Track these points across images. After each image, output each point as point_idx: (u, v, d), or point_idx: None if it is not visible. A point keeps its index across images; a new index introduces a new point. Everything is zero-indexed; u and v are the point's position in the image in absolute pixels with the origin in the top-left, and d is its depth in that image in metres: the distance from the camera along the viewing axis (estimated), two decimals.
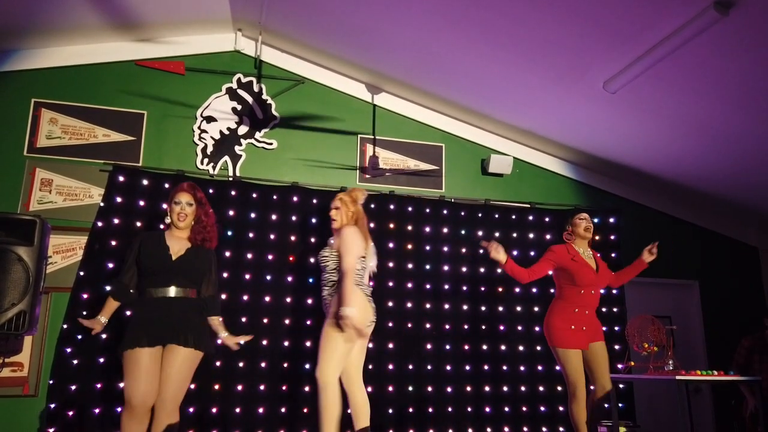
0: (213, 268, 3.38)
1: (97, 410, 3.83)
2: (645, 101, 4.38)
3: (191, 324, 3.15)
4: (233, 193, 4.43)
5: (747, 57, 3.64)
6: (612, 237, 5.20)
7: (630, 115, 4.64)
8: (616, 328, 4.95)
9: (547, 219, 5.12)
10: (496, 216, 5.02)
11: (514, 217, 5.06)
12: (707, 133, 4.66)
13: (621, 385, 4.79)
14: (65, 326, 3.97)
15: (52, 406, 3.80)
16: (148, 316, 3.12)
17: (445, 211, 4.90)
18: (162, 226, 3.43)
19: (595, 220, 5.18)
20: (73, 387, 3.84)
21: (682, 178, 5.42)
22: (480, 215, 4.98)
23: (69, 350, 3.89)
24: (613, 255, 5.16)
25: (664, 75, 3.97)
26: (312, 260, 4.46)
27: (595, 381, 3.87)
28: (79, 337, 3.91)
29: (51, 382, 3.88)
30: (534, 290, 4.92)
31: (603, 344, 3.90)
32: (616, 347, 4.91)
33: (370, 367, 4.38)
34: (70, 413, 3.79)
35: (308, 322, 4.36)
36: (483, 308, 4.77)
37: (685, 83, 4.06)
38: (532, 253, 4.99)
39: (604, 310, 4.99)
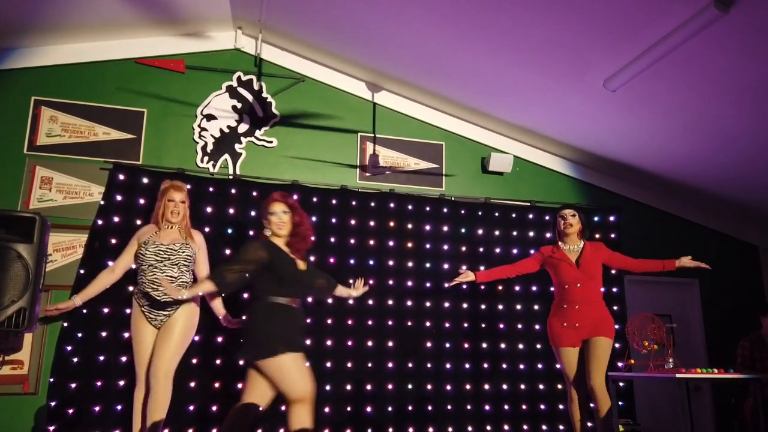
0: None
1: (97, 408, 3.83)
2: (645, 99, 4.38)
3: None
4: (233, 191, 4.43)
5: (747, 54, 3.64)
6: (612, 235, 5.20)
7: (630, 114, 4.64)
8: (617, 327, 4.93)
9: (547, 217, 5.11)
10: (496, 214, 5.02)
11: (514, 215, 5.06)
12: (707, 131, 4.66)
13: (621, 384, 4.79)
14: (65, 324, 3.97)
15: (53, 403, 3.80)
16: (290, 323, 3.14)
17: (445, 210, 4.90)
18: (259, 235, 3.32)
19: (596, 219, 5.20)
20: (74, 385, 3.84)
21: (682, 176, 5.42)
22: (480, 213, 4.98)
23: (69, 348, 3.89)
24: None
25: (664, 73, 3.97)
26: (312, 258, 4.46)
27: (588, 377, 3.71)
28: (79, 335, 3.91)
29: (51, 380, 3.88)
30: (534, 288, 4.92)
31: (603, 341, 3.72)
32: (617, 345, 4.90)
33: (370, 364, 4.38)
34: (71, 411, 3.80)
35: (308, 321, 4.35)
36: (483, 306, 4.77)
37: (686, 81, 4.05)
38: (532, 251, 4.97)
39: None
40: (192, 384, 4.01)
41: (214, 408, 4.04)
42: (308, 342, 4.32)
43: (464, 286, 4.71)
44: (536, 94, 4.70)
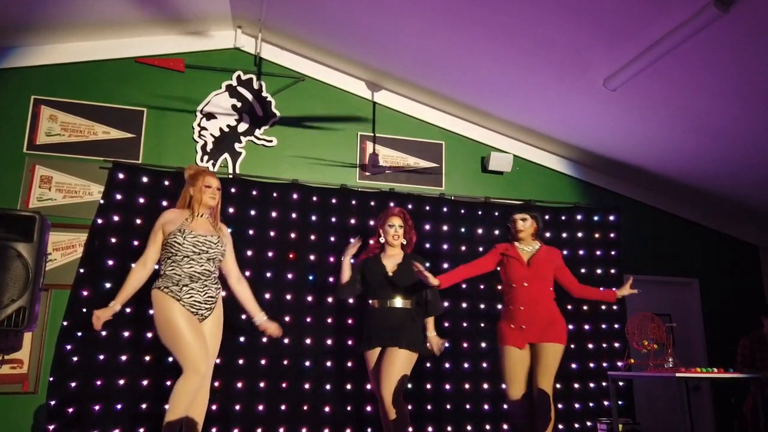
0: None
1: (97, 407, 3.83)
2: (645, 98, 4.38)
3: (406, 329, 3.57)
4: (233, 190, 4.43)
5: (748, 54, 3.64)
6: (612, 235, 5.20)
7: (630, 113, 4.64)
8: (616, 326, 4.96)
9: (546, 216, 5.10)
10: (496, 214, 5.01)
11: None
12: (707, 131, 4.66)
13: (621, 383, 4.79)
14: (65, 323, 3.97)
15: (52, 403, 3.80)
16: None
17: (445, 209, 4.90)
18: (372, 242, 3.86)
19: (595, 218, 5.20)
20: (73, 384, 3.84)
21: (682, 176, 5.42)
22: (480, 213, 4.98)
23: (69, 347, 3.90)
24: (612, 253, 5.16)
25: (664, 72, 3.97)
26: (312, 257, 4.46)
27: (534, 383, 3.54)
28: (79, 334, 3.91)
29: (51, 379, 3.88)
30: None
31: (551, 347, 3.51)
32: (616, 345, 4.91)
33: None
34: (70, 410, 3.80)
35: (308, 320, 4.36)
36: (482, 306, 4.77)
37: (686, 80, 4.05)
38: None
39: (603, 307, 5.00)
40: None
41: (214, 407, 4.04)
42: (308, 341, 4.33)
43: (464, 285, 4.69)
44: (536, 94, 4.70)
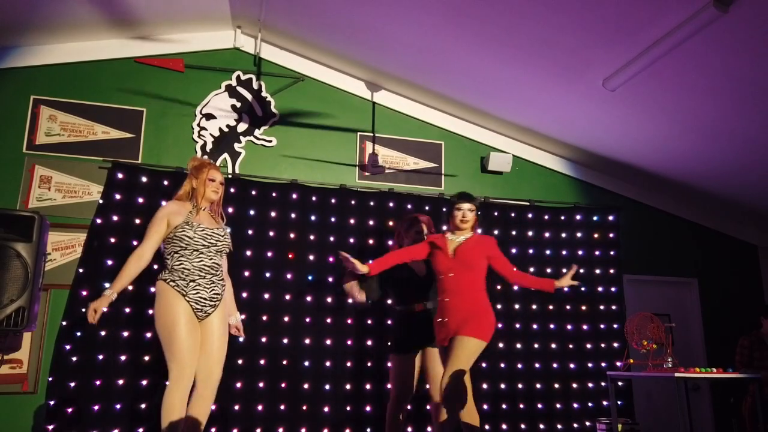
0: None
1: (96, 407, 3.83)
2: (644, 99, 4.38)
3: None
4: (232, 190, 4.42)
5: (747, 54, 3.64)
6: (611, 235, 5.20)
7: (629, 113, 4.64)
8: (615, 326, 4.96)
9: (546, 217, 5.12)
10: (495, 214, 5.02)
11: (513, 214, 5.06)
12: (707, 131, 4.67)
13: (620, 383, 4.79)
14: (64, 323, 3.97)
15: (52, 402, 3.80)
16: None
17: (444, 209, 4.89)
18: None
19: (594, 218, 5.20)
20: (72, 384, 3.83)
21: (681, 176, 5.42)
22: (479, 213, 4.96)
23: (68, 347, 3.89)
24: (611, 253, 5.16)
25: (663, 72, 3.97)
26: (311, 257, 4.46)
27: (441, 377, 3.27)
28: (78, 334, 3.91)
29: (50, 379, 3.88)
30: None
31: (465, 340, 3.22)
32: (615, 345, 4.91)
33: (369, 364, 4.38)
34: (70, 410, 3.79)
35: (307, 320, 4.36)
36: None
37: (685, 81, 4.06)
38: (530, 251, 5.00)
39: (602, 308, 5.00)
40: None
41: (213, 407, 4.04)
42: (307, 341, 4.33)
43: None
44: (535, 94, 4.70)
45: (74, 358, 3.88)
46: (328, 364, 4.33)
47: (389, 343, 3.96)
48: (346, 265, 3.34)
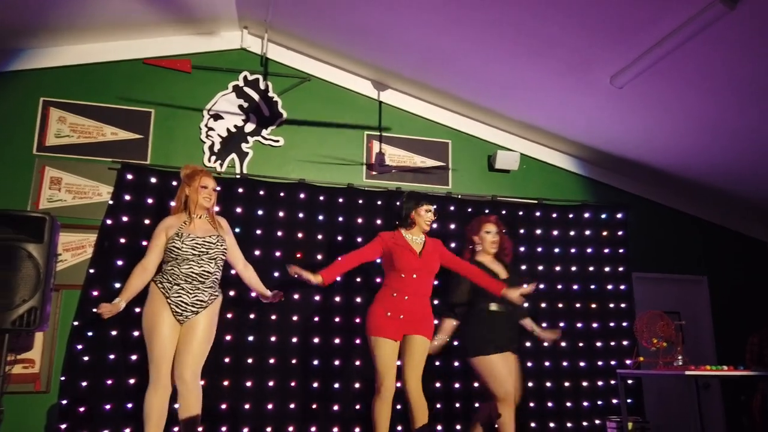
0: None
1: (108, 406, 3.86)
2: (652, 96, 4.36)
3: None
4: (240, 190, 4.45)
5: (754, 51, 3.62)
6: (620, 232, 5.19)
7: (637, 110, 4.62)
8: (624, 324, 4.94)
9: (554, 215, 5.10)
10: (503, 212, 5.01)
11: (521, 213, 5.05)
12: (715, 128, 4.64)
13: (630, 381, 4.77)
14: (76, 323, 4.00)
15: (64, 402, 3.83)
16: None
17: (452, 208, 4.90)
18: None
19: (603, 216, 5.18)
20: (84, 383, 3.87)
21: (690, 173, 5.39)
22: (487, 211, 4.97)
23: (80, 347, 3.93)
24: (620, 250, 5.14)
25: (671, 69, 3.95)
26: (319, 257, 4.47)
27: (403, 377, 3.44)
28: (90, 334, 3.94)
29: (62, 378, 3.92)
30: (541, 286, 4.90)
31: (423, 340, 3.47)
32: (625, 343, 4.90)
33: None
34: (82, 409, 3.83)
35: (316, 319, 4.37)
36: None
37: (693, 77, 4.04)
38: (539, 249, 4.98)
39: (611, 306, 4.99)
40: (201, 381, 4.01)
41: (224, 406, 4.06)
42: (316, 340, 4.34)
43: None
44: (543, 92, 4.69)
45: (86, 358, 3.91)
46: (337, 362, 4.34)
47: (465, 345, 3.78)
48: (299, 277, 3.36)
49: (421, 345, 3.47)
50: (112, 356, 3.94)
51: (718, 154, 4.98)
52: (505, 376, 3.57)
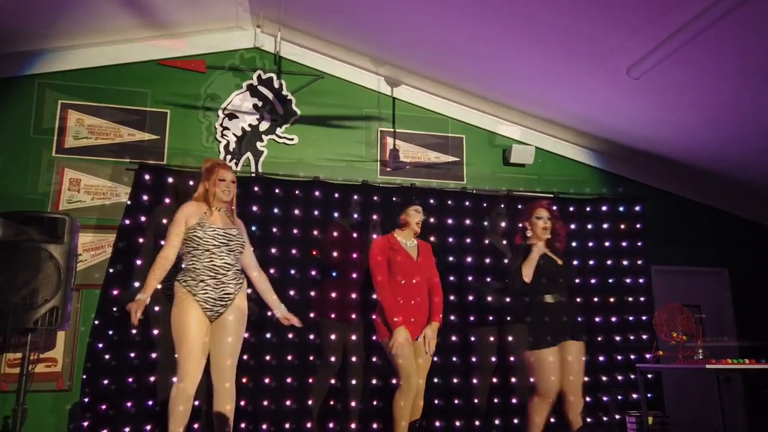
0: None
1: (129, 404, 3.91)
2: (670, 86, 4.30)
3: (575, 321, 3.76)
4: (256, 189, 4.47)
5: None
6: (637, 226, 5.12)
7: (655, 101, 4.56)
8: (644, 318, 4.88)
9: (571, 208, 5.05)
10: (519, 207, 4.96)
11: None
12: (735, 117, 4.56)
13: (649, 375, 4.72)
14: (96, 322, 4.06)
15: (86, 400, 3.89)
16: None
17: (467, 203, 4.88)
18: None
19: (620, 209, 5.12)
20: (106, 381, 3.92)
21: (709, 164, 5.31)
22: (502, 206, 4.95)
23: (101, 346, 3.98)
24: (639, 244, 5.08)
25: (689, 59, 3.89)
26: (335, 254, 4.48)
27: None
28: (111, 332, 4.00)
29: (84, 376, 3.97)
30: None
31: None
32: (644, 337, 4.85)
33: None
34: (104, 407, 3.88)
35: (332, 316, 4.38)
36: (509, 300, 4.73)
37: (711, 66, 3.97)
38: (556, 244, 4.93)
39: (630, 299, 4.94)
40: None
41: (243, 403, 4.09)
42: (333, 337, 4.35)
43: (488, 278, 4.66)
44: (558, 84, 4.65)
45: (107, 356, 3.96)
46: (354, 359, 4.35)
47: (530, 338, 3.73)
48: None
49: (422, 348, 3.63)
50: (132, 355, 3.99)
51: (739, 143, 4.90)
52: (549, 369, 3.57)
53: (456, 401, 4.47)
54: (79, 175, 4.32)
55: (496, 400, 4.54)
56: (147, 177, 4.29)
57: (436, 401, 4.41)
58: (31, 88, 4.36)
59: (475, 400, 4.50)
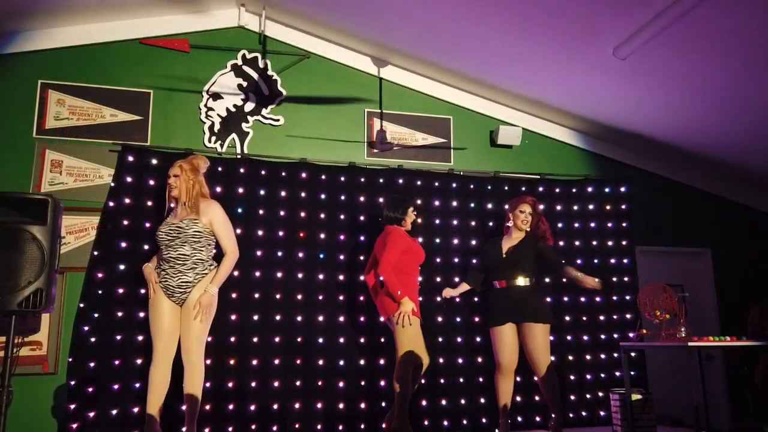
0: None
1: (116, 386, 3.91)
2: (657, 67, 4.30)
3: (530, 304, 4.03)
4: (242, 170, 4.43)
5: (762, 18, 3.56)
6: (623, 206, 5.16)
7: (641, 82, 4.57)
8: (628, 297, 4.95)
9: (557, 189, 5.08)
10: (506, 188, 4.99)
11: (523, 188, 5.02)
12: (721, 99, 4.59)
13: (633, 353, 4.80)
14: (82, 305, 4.03)
15: (72, 383, 3.88)
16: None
17: (454, 185, 4.88)
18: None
19: (606, 190, 5.16)
20: (92, 364, 3.91)
21: (694, 145, 5.35)
22: (489, 187, 4.96)
23: (86, 329, 3.96)
24: (624, 224, 5.13)
25: (676, 39, 3.89)
26: (322, 236, 4.48)
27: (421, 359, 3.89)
28: (96, 315, 3.97)
29: (70, 359, 3.95)
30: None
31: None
32: (628, 316, 4.91)
33: (382, 339, 4.41)
34: (90, 389, 3.87)
35: (320, 297, 4.39)
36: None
37: (698, 47, 3.97)
38: (542, 240, 4.96)
39: (615, 279, 4.99)
40: (208, 361, 4.06)
41: (230, 384, 4.10)
42: (321, 318, 4.35)
43: (474, 260, 4.71)
44: (544, 65, 4.63)
45: (93, 339, 3.95)
46: (341, 340, 4.37)
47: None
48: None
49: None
50: (118, 337, 3.98)
51: (725, 124, 4.93)
52: (500, 348, 4.04)
53: (442, 380, 4.51)
54: (60, 156, 4.25)
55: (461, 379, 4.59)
56: (130, 158, 4.24)
57: (423, 381, 4.44)
58: (9, 67, 4.26)
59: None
